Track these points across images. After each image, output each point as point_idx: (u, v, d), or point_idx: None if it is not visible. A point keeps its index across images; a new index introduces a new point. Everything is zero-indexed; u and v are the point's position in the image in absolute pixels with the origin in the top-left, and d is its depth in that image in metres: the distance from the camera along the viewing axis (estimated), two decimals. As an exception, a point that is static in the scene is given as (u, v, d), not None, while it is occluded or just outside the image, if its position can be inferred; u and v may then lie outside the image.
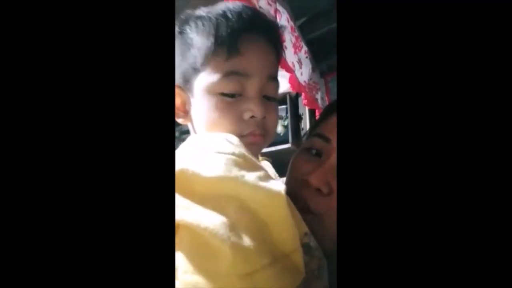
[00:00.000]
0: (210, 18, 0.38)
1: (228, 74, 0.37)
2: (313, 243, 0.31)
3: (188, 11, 0.41)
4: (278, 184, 0.28)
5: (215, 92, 0.37)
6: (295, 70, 1.15)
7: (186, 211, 0.26)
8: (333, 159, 0.39)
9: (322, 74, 1.55)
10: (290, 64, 1.10)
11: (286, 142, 1.38)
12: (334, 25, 1.31)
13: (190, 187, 0.27)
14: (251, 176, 0.27)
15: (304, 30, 1.31)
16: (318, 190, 0.38)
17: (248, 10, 0.39)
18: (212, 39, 0.36)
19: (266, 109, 0.38)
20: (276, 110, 0.42)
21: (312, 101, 1.32)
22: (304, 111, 1.48)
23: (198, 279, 0.22)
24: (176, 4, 0.30)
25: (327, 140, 0.41)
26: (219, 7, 0.39)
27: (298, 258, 0.27)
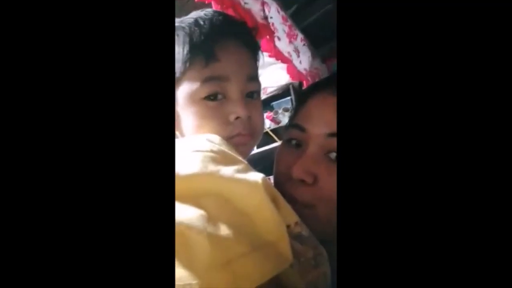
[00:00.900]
0: (183, 27, 0.39)
1: (208, 80, 0.38)
2: (305, 232, 0.31)
3: None
4: (256, 175, 0.28)
5: (197, 98, 0.39)
6: (293, 60, 1.14)
7: None
8: (311, 148, 0.40)
9: (324, 60, 1.51)
10: (286, 54, 1.08)
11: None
12: (329, 6, 1.27)
13: None
14: (227, 170, 0.28)
15: (298, 18, 1.29)
16: (302, 181, 0.38)
17: (219, 16, 0.40)
18: (187, 48, 0.38)
19: (250, 109, 0.39)
20: (260, 108, 0.43)
21: (315, 88, 1.30)
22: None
23: (181, 272, 0.23)
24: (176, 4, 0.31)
25: (303, 129, 0.41)
26: (191, 16, 0.41)
27: (284, 245, 0.27)
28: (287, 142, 0.44)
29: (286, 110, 1.57)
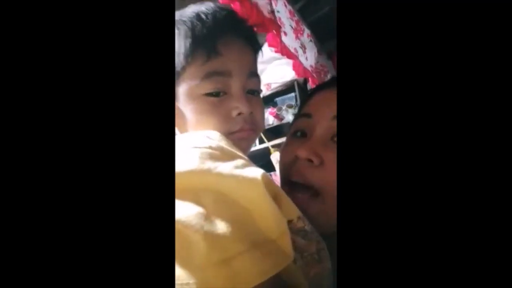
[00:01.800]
0: (184, 21, 0.38)
1: (210, 75, 0.37)
2: (308, 226, 0.31)
3: None
4: (256, 171, 0.28)
5: (199, 93, 0.38)
6: (299, 56, 1.12)
7: None
8: (318, 132, 0.41)
9: (330, 55, 1.49)
10: (292, 50, 1.06)
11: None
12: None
13: None
14: (226, 166, 0.27)
15: (305, 13, 1.26)
16: (309, 161, 0.38)
17: (222, 10, 0.40)
18: (189, 42, 0.37)
19: (252, 105, 0.39)
20: (262, 104, 0.43)
21: (320, 85, 1.28)
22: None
23: (178, 272, 0.23)
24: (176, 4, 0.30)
25: (309, 116, 0.42)
26: (191, 10, 0.39)
27: (285, 242, 0.26)
28: (292, 135, 0.45)
29: (290, 106, 1.55)
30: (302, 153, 0.38)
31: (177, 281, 0.22)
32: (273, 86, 1.55)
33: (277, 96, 1.58)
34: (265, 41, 0.95)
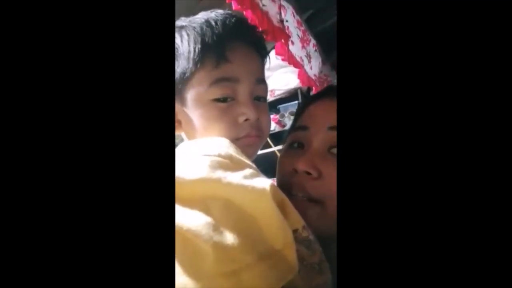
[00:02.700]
0: (194, 27, 0.39)
1: (218, 81, 0.37)
2: (312, 236, 0.31)
3: None
4: (264, 181, 0.28)
5: (207, 99, 0.38)
6: (304, 65, 1.14)
7: None
8: (315, 144, 0.40)
9: (334, 66, 1.51)
10: (298, 59, 1.08)
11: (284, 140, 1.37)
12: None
13: (176, 192, 0.27)
14: (235, 176, 0.28)
15: (312, 23, 1.29)
16: (308, 174, 0.38)
17: (232, 17, 0.40)
18: (199, 48, 0.37)
19: (259, 111, 0.39)
20: (268, 111, 0.43)
21: (323, 95, 1.30)
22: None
23: (187, 280, 0.23)
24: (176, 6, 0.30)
25: (305, 128, 0.42)
26: (201, 16, 0.40)
27: (290, 253, 0.27)
28: (289, 146, 0.45)
29: (292, 114, 1.57)
30: (300, 166, 0.38)
31: None
32: (277, 93, 1.57)
33: (280, 103, 1.60)
34: (272, 48, 0.97)
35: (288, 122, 1.54)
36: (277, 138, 1.35)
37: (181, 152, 0.33)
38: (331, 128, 0.40)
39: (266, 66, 0.45)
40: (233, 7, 0.70)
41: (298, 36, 1.09)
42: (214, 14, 0.40)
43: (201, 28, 0.38)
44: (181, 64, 0.38)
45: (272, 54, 0.97)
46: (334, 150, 0.40)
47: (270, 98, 1.58)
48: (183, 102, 0.40)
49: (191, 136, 0.41)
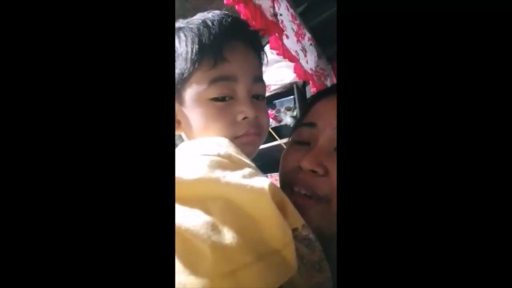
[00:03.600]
0: (191, 28, 0.39)
1: (216, 80, 0.38)
2: (312, 235, 0.31)
3: None
4: (263, 181, 0.28)
5: (206, 98, 0.38)
6: (300, 59, 1.13)
7: None
8: (321, 141, 0.40)
9: (330, 60, 1.50)
10: (293, 53, 1.07)
11: (290, 135, 1.36)
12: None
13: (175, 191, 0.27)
14: (234, 175, 0.28)
15: (307, 16, 1.27)
16: (313, 172, 0.38)
17: (228, 17, 0.40)
18: (196, 48, 0.37)
19: (257, 109, 0.39)
20: (266, 108, 0.43)
21: (321, 88, 1.29)
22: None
23: (184, 279, 0.23)
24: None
25: (312, 125, 0.42)
26: (198, 17, 0.41)
27: (289, 253, 0.27)
28: (294, 142, 0.44)
29: (288, 109, 1.56)
30: (306, 164, 0.38)
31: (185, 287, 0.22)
32: (272, 88, 1.56)
33: (276, 98, 1.59)
34: (267, 43, 0.96)
35: (284, 117, 1.53)
36: (276, 132, 1.34)
37: (180, 152, 0.33)
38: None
39: (263, 63, 0.46)
40: (225, 1, 0.69)
41: (293, 30, 1.08)
42: (211, 15, 0.40)
43: (198, 29, 0.38)
44: (179, 65, 0.39)
45: (267, 48, 0.96)
46: None
47: (266, 93, 1.56)
48: (182, 102, 0.40)
49: (190, 136, 0.41)
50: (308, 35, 1.22)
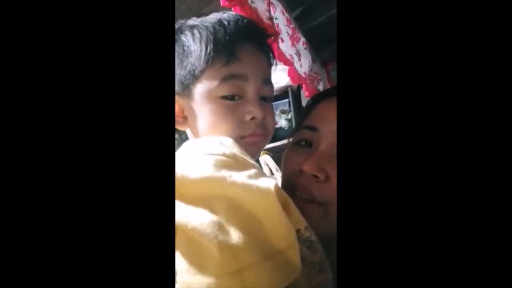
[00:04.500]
0: (206, 26, 0.40)
1: (227, 78, 0.38)
2: (314, 236, 0.31)
3: (180, 21, 0.43)
4: (268, 181, 0.28)
5: (215, 96, 0.38)
6: (294, 63, 1.14)
7: (177, 213, 0.26)
8: (323, 146, 0.40)
9: (324, 64, 1.52)
10: (288, 56, 1.08)
11: (290, 136, 1.36)
12: (333, 11, 1.28)
13: (180, 190, 0.27)
14: (240, 175, 0.28)
15: (302, 20, 1.29)
16: (314, 177, 0.38)
17: (243, 19, 0.41)
18: (211, 46, 0.38)
19: (265, 110, 0.40)
20: (273, 111, 0.44)
21: (313, 92, 1.30)
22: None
23: (192, 278, 0.23)
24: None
25: (314, 129, 0.42)
26: (213, 17, 0.41)
27: (294, 254, 0.27)
28: (296, 144, 0.44)
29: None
30: (307, 168, 0.38)
31: (188, 287, 0.22)
32: (267, 91, 1.56)
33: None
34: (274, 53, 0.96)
35: (279, 120, 1.53)
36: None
37: (185, 151, 0.33)
38: None
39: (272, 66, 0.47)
40: (221, 4, 0.69)
41: (288, 34, 1.08)
42: (226, 15, 0.41)
43: (214, 28, 0.39)
44: (192, 61, 0.39)
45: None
46: None
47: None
48: (192, 99, 0.40)
49: (196, 133, 0.41)
50: (302, 39, 1.23)
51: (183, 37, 0.40)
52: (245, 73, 0.39)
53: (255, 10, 0.81)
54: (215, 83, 0.38)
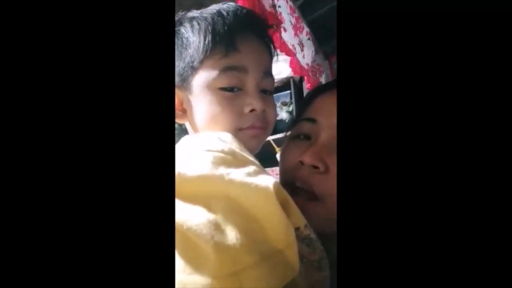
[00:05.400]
0: (205, 17, 0.39)
1: (227, 69, 0.38)
2: (313, 234, 0.31)
3: (180, 13, 0.42)
4: (267, 179, 0.27)
5: (215, 87, 0.38)
6: (296, 53, 1.11)
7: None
8: (323, 137, 0.40)
9: (327, 56, 1.49)
10: (290, 46, 1.06)
11: (288, 129, 1.35)
12: (335, 3, 1.25)
13: (177, 188, 0.27)
14: (238, 173, 0.27)
15: (306, 10, 1.26)
16: (315, 167, 0.38)
17: (243, 9, 0.40)
18: (209, 37, 0.37)
19: (265, 102, 0.39)
20: (274, 103, 0.43)
21: (315, 85, 1.28)
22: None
23: (186, 279, 0.23)
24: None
25: (313, 121, 0.42)
26: (212, 8, 0.40)
27: (292, 253, 0.26)
28: (294, 137, 0.44)
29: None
30: (307, 159, 0.38)
31: (185, 287, 0.22)
32: (269, 82, 1.54)
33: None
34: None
35: (280, 112, 1.52)
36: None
37: (183, 147, 0.33)
38: None
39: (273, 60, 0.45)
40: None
41: (291, 23, 1.06)
42: (226, 6, 0.40)
43: (213, 18, 0.38)
44: (190, 53, 0.39)
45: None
46: None
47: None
48: (190, 90, 0.39)
49: (195, 126, 0.40)
50: (306, 29, 1.21)
51: (182, 29, 0.40)
52: (245, 64, 0.38)
53: (257, -3, 0.78)
54: (214, 74, 0.38)
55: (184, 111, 0.41)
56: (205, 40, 0.37)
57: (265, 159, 0.59)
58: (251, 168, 0.28)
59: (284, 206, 0.27)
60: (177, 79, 0.40)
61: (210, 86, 0.38)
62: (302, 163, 0.39)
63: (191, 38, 0.39)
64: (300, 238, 0.29)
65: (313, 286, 0.30)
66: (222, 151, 0.29)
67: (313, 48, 1.29)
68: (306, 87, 1.30)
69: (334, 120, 0.40)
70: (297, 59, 1.12)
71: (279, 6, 0.94)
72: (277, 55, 0.46)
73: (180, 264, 0.23)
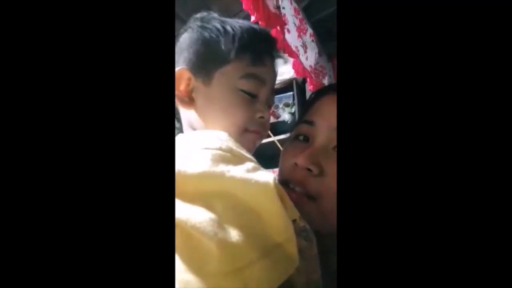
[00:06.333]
0: (240, 26, 0.44)
1: (251, 76, 0.42)
2: (307, 225, 0.31)
3: (204, 12, 0.47)
4: (266, 175, 0.28)
5: (237, 87, 0.42)
6: (299, 55, 1.11)
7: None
8: (319, 140, 0.41)
9: (330, 58, 1.49)
10: (293, 48, 1.06)
11: (291, 130, 1.35)
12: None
13: (177, 186, 0.27)
14: (237, 170, 0.28)
15: (310, 12, 1.26)
16: (309, 170, 0.38)
17: (267, 32, 0.48)
18: (241, 43, 0.42)
19: (269, 114, 0.45)
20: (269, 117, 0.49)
21: (318, 87, 1.28)
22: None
23: (189, 277, 0.22)
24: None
25: (311, 123, 0.43)
26: (246, 22, 0.46)
27: (292, 247, 0.27)
28: (294, 138, 0.45)
29: (287, 105, 1.54)
30: (301, 161, 0.38)
31: (187, 286, 0.22)
32: (271, 83, 1.54)
33: (275, 94, 1.57)
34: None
35: (282, 113, 1.52)
36: (274, 129, 1.33)
37: (180, 145, 0.33)
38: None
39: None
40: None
41: (295, 25, 1.06)
42: (257, 26, 0.47)
43: (247, 30, 0.44)
44: (226, 45, 0.42)
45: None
46: None
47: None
48: (207, 82, 0.42)
49: (204, 116, 0.42)
50: (310, 31, 1.21)
51: (213, 25, 0.43)
52: (265, 78, 0.43)
53: (262, -2, 0.78)
54: (240, 76, 0.42)
55: (191, 99, 0.42)
56: (238, 44, 0.42)
57: (269, 159, 0.60)
58: (250, 165, 0.29)
59: (281, 200, 0.28)
60: (198, 64, 0.42)
61: (232, 85, 0.41)
62: (296, 164, 0.39)
63: (222, 37, 0.42)
64: (297, 230, 0.29)
65: (312, 284, 0.30)
66: (220, 149, 0.29)
67: (316, 50, 1.30)
68: (309, 88, 1.30)
69: (331, 122, 0.40)
70: (300, 61, 1.12)
71: (283, 7, 0.94)
72: (280, 56, 0.51)
73: (182, 262, 0.23)
